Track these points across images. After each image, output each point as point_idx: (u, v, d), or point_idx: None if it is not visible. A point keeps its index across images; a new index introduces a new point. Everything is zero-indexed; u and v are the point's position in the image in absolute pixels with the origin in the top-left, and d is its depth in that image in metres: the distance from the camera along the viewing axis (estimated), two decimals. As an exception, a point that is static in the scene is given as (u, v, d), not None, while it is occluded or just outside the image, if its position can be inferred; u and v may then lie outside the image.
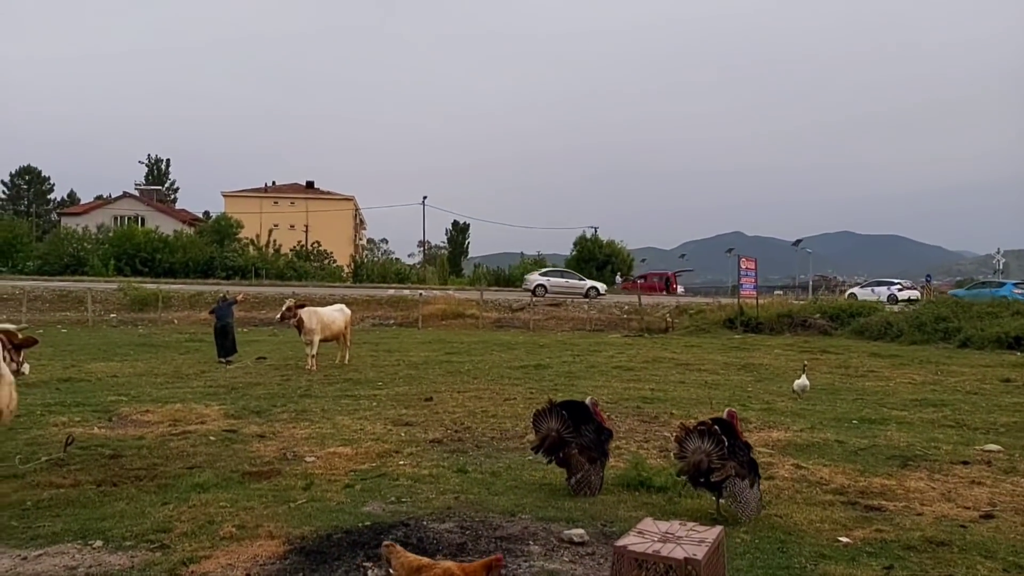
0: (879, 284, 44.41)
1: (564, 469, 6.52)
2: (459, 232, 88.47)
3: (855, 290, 42.91)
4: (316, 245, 62.48)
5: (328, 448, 7.95)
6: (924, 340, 22.71)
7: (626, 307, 33.87)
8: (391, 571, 3.71)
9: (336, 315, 16.37)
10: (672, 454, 6.45)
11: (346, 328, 16.55)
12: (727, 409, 6.39)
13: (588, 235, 63.21)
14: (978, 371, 15.72)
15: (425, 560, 3.72)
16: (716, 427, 5.77)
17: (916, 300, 35.91)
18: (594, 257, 60.69)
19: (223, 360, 16.29)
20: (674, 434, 6.43)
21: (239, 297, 18.67)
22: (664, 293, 47.18)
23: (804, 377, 12.08)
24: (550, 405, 6.67)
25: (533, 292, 38.10)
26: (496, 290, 44.76)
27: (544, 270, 43.74)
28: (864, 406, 11.17)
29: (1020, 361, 18.09)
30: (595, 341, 23.70)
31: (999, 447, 8.33)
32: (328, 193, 78.06)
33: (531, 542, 5.10)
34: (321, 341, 15.64)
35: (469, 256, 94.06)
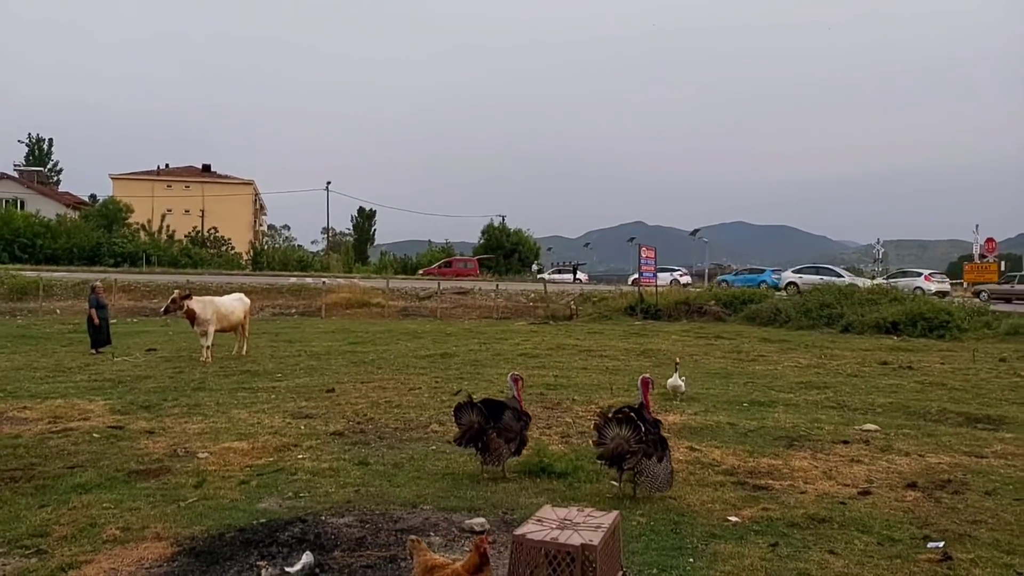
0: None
1: (482, 455, 6.55)
2: (365, 219, 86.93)
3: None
4: (213, 231, 60.07)
5: (222, 443, 7.66)
6: (810, 325, 23.99)
7: (532, 295, 34.20)
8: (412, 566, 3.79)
9: (234, 305, 15.78)
10: (591, 441, 6.58)
11: (244, 318, 15.98)
12: (641, 376, 6.56)
13: (496, 223, 63.48)
14: (859, 355, 16.74)
15: (440, 560, 3.75)
16: (632, 414, 5.96)
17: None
18: (501, 245, 61.04)
19: (97, 351, 15.56)
20: (593, 421, 6.56)
21: (96, 285, 17.39)
22: (470, 278, 45.62)
23: (676, 376, 10.64)
24: (470, 400, 6.65)
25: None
26: (403, 278, 44.26)
27: None
28: (754, 389, 11.70)
29: (897, 345, 19.37)
30: (502, 329, 23.83)
31: (876, 427, 8.88)
32: (226, 177, 75.08)
33: (432, 533, 5.08)
34: (217, 332, 15.04)
35: (376, 243, 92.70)
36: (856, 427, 8.84)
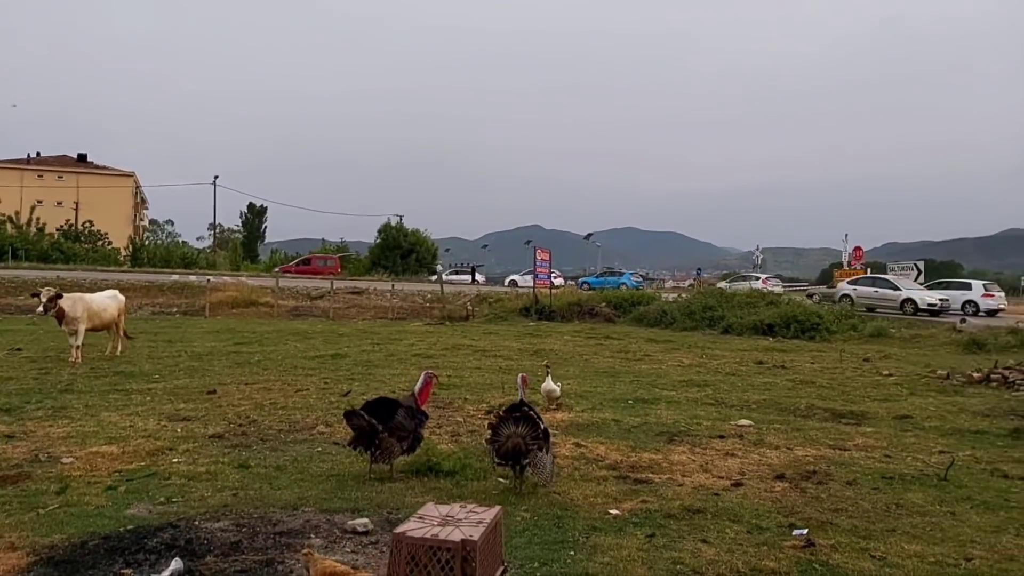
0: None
1: (373, 455, 6.44)
2: (255, 215, 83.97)
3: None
4: (88, 225, 56.46)
5: (90, 448, 7.20)
6: (693, 327, 25.05)
7: (429, 295, 34.03)
8: None
9: (107, 302, 14.85)
10: (484, 439, 6.59)
11: (119, 316, 15.08)
12: (520, 375, 6.83)
13: (393, 223, 62.71)
14: (737, 354, 17.59)
15: (341, 568, 3.63)
16: (531, 412, 6.06)
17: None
18: (398, 245, 60.30)
19: None
20: (488, 420, 6.59)
21: None
22: (331, 276, 43.75)
23: (549, 380, 10.14)
24: (354, 409, 6.51)
25: None
26: (294, 277, 43.00)
27: None
28: (639, 387, 12.08)
29: (772, 346, 20.50)
30: (397, 329, 23.56)
31: (750, 422, 9.35)
32: (104, 168, 70.73)
33: (312, 535, 4.96)
34: (89, 331, 14.13)
35: (266, 241, 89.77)
36: (732, 423, 9.28)
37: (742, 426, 9.08)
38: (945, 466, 7.13)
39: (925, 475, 7.01)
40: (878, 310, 29.73)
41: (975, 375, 13.67)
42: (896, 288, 31.08)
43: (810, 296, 35.21)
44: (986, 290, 32.58)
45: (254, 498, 5.80)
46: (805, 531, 5.27)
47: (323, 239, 74.76)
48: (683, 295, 33.24)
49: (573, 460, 7.24)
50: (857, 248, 45.19)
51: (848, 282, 34.00)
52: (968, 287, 33.33)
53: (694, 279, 52.69)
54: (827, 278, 52.03)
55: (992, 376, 13.39)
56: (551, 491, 6.11)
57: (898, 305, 29.81)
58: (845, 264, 44.96)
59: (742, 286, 35.17)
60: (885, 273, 38.11)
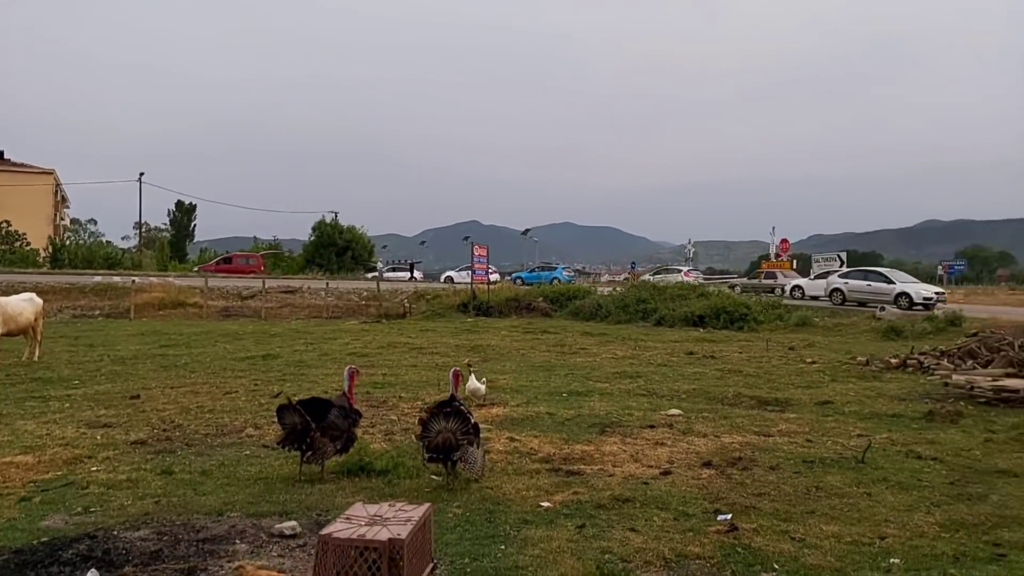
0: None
1: (305, 456, 6.34)
2: (184, 213, 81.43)
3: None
4: (5, 225, 53.73)
5: (3, 458, 6.88)
6: (627, 319, 25.46)
7: (365, 293, 33.61)
8: None
9: (24, 305, 14.19)
10: (414, 435, 6.57)
11: (36, 320, 14.42)
12: (452, 369, 6.93)
13: (328, 220, 61.66)
14: (669, 346, 17.96)
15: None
16: (462, 407, 6.09)
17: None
18: (333, 243, 59.31)
19: None
20: (418, 416, 6.56)
21: None
22: (253, 275, 43.38)
23: (473, 379, 10.10)
24: (289, 403, 6.39)
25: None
26: (225, 276, 41.87)
27: None
28: (574, 380, 12.22)
29: (702, 336, 20.99)
30: (331, 328, 23.19)
31: (680, 411, 9.56)
32: (22, 165, 67.27)
33: (238, 540, 4.85)
34: (4, 336, 13.48)
35: (196, 240, 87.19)
36: (662, 412, 9.47)
37: (672, 416, 9.28)
38: (862, 449, 7.43)
39: (844, 458, 7.30)
40: (869, 304, 28.01)
41: (893, 361, 14.29)
42: (890, 282, 29.48)
43: (732, 287, 36.20)
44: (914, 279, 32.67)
45: (177, 505, 5.64)
46: (729, 516, 5.42)
47: (255, 237, 73.10)
48: (618, 289, 33.70)
49: (507, 454, 7.27)
50: (784, 240, 46.74)
51: (839, 275, 32.40)
52: (891, 280, 32.61)
53: (629, 273, 53.62)
54: (755, 270, 53.67)
55: (908, 362, 14.02)
56: (484, 486, 6.13)
57: (892, 299, 28.18)
58: (772, 256, 46.43)
59: (666, 278, 36.12)
60: (811, 266, 39.52)
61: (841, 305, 29.26)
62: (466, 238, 66.03)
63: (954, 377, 11.49)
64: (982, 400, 10.33)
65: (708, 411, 9.71)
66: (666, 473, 6.68)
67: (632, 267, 63.15)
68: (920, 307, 27.16)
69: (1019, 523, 5.41)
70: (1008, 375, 11.45)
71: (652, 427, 8.61)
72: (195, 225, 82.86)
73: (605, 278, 62.99)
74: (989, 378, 11.15)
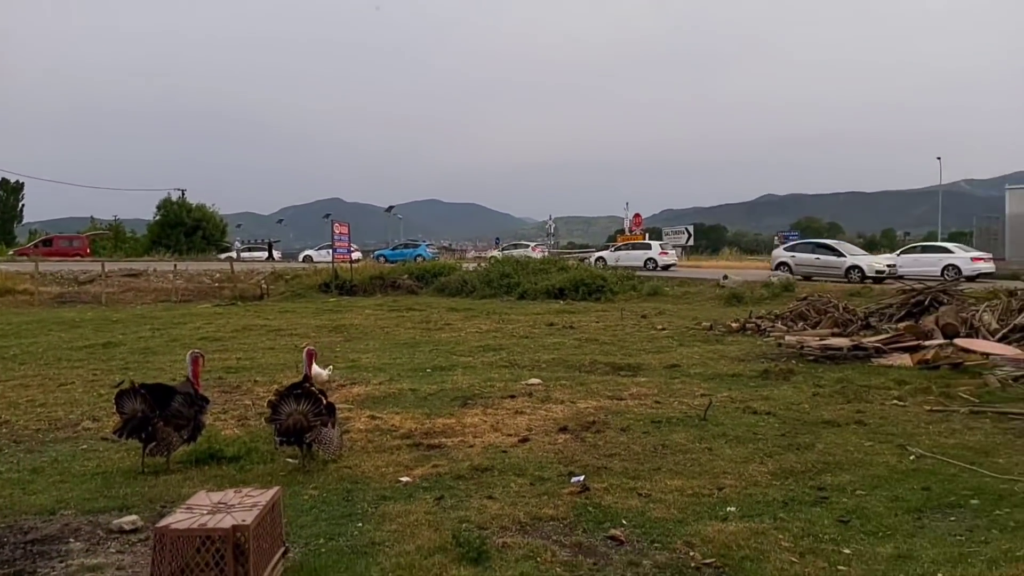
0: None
1: (148, 446, 5.97)
2: (10, 192, 74.30)
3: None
4: None
5: None
6: (492, 294, 25.82)
7: (218, 275, 31.98)
8: None
9: None
10: (264, 419, 6.34)
11: None
12: (306, 348, 6.90)
13: (175, 198, 58.03)
14: (531, 318, 18.37)
15: None
16: (312, 387, 5.95)
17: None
18: (181, 222, 56.04)
19: None
20: (268, 399, 6.35)
21: None
22: (78, 258, 41.23)
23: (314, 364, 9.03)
24: (133, 386, 5.97)
25: None
26: (59, 260, 38.47)
27: None
28: (438, 355, 12.26)
29: (563, 308, 21.63)
30: (181, 313, 21.92)
31: (540, 380, 9.81)
32: None
33: (72, 539, 4.52)
34: None
35: (24, 221, 79.78)
36: (523, 382, 9.69)
37: (532, 385, 9.51)
38: (704, 407, 7.94)
39: (688, 417, 7.76)
40: (815, 278, 27.30)
41: (733, 325, 15.34)
42: (840, 255, 28.82)
43: (582, 260, 37.88)
44: (661, 249, 37.71)
45: (3, 506, 5.18)
46: (582, 477, 5.64)
47: (92, 217, 67.76)
48: (482, 264, 34.01)
49: (367, 432, 7.20)
50: (637, 215, 48.87)
51: (785, 248, 31.88)
52: (648, 247, 37.66)
53: (495, 248, 54.27)
54: (609, 243, 55.82)
55: (748, 325, 15.09)
56: (342, 466, 6.04)
57: (843, 273, 27.58)
58: (627, 230, 48.34)
59: (513, 254, 37.55)
60: (660, 237, 41.72)
61: (860, 283, 26.33)
62: (327, 216, 64.25)
63: (787, 338, 12.50)
64: (811, 358, 11.28)
65: (566, 379, 10.02)
66: (524, 440, 6.85)
67: (496, 242, 63.95)
68: (871, 280, 26.30)
69: (840, 468, 5.96)
70: (833, 334, 12.61)
71: (513, 397, 8.79)
72: (23, 205, 75.79)
73: (472, 254, 63.29)
74: (817, 338, 12.23)
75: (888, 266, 28.13)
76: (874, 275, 27.03)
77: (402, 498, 5.28)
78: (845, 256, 28.76)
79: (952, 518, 4.84)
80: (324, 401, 5.94)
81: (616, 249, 38.63)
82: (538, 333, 15.41)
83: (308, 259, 47.30)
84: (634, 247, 38.21)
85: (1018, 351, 10.40)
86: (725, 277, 27.63)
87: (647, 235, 43.98)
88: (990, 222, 40.66)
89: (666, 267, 35.58)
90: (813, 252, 29.78)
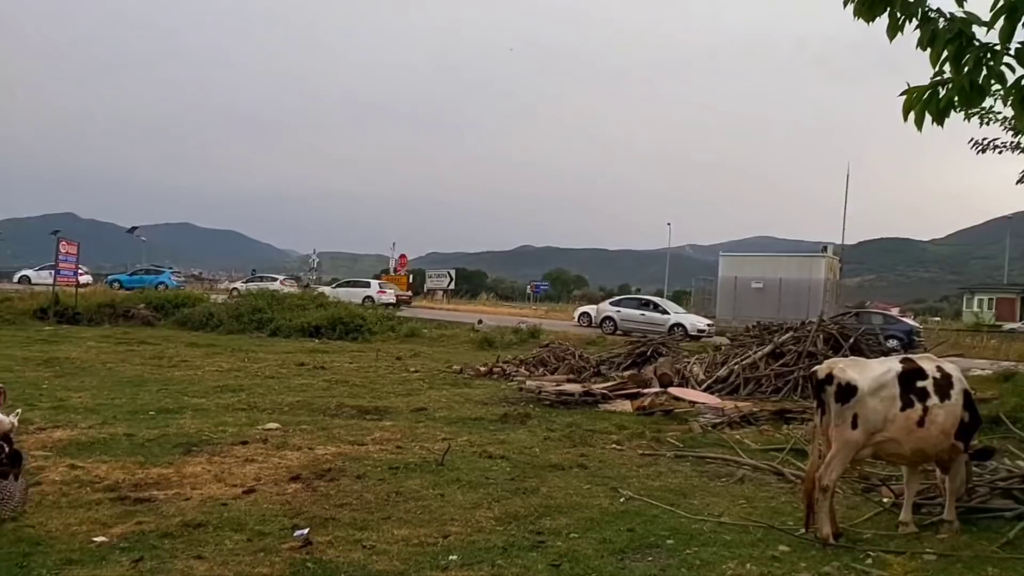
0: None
1: None
2: None
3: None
4: None
5: None
6: (240, 330, 24.33)
7: None
8: None
9: None
10: None
11: None
12: None
13: None
14: (281, 357, 17.56)
15: None
16: None
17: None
18: None
19: None
20: None
21: None
22: None
23: None
24: None
25: None
26: None
27: None
28: (166, 396, 11.23)
29: (317, 347, 20.96)
30: None
31: (279, 425, 9.33)
32: None
33: None
34: None
35: None
36: (260, 427, 9.15)
37: (269, 430, 9.02)
38: (443, 452, 8.04)
39: (427, 462, 7.78)
40: (634, 333, 26.99)
41: (482, 369, 15.87)
42: (665, 312, 30.20)
43: (306, 287, 38.12)
44: (380, 288, 38.36)
45: None
46: (306, 531, 5.40)
47: None
48: (234, 297, 32.06)
49: (63, 484, 6.34)
50: (402, 256, 49.28)
51: (611, 303, 32.27)
52: (368, 285, 38.69)
53: (240, 280, 51.36)
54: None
55: (495, 369, 15.69)
56: (23, 525, 5.24)
57: (666, 329, 28.14)
58: (392, 270, 48.50)
59: (259, 286, 35.49)
60: (424, 279, 42.38)
61: (612, 335, 28.21)
62: (55, 232, 56.93)
63: (528, 383, 13.17)
64: (547, 403, 11.96)
65: (308, 423, 9.64)
66: (249, 491, 6.43)
67: (253, 274, 60.67)
68: (693, 339, 26.90)
69: (559, 511, 6.29)
70: (568, 380, 13.51)
71: (245, 443, 8.25)
72: None
73: (224, 285, 59.48)
74: (554, 383, 13.02)
75: (708, 325, 29.83)
76: (696, 333, 28.42)
77: (92, 561, 4.69)
78: (669, 314, 30.14)
79: (650, 558, 5.30)
80: (6, 449, 5.17)
81: (338, 286, 38.99)
82: (286, 373, 14.75)
83: (26, 280, 41.48)
84: (355, 284, 39.26)
85: (719, 400, 11.89)
86: (480, 321, 28.62)
87: (410, 276, 44.44)
88: (706, 283, 46.80)
89: (387, 305, 34.52)
90: (639, 308, 30.73)
